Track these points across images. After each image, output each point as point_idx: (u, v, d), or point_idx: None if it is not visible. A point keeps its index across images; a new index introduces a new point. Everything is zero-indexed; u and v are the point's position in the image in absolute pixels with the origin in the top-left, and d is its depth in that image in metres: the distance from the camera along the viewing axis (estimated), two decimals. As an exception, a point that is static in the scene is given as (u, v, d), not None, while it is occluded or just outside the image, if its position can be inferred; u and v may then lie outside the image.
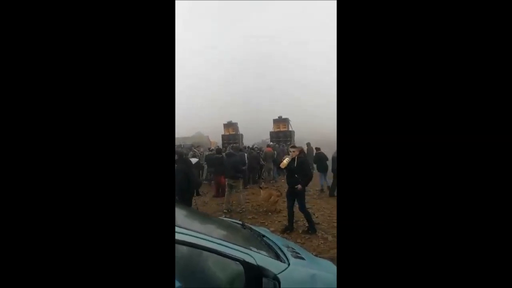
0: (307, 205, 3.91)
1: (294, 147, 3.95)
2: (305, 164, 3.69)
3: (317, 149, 6.71)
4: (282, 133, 13.81)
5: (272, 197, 4.96)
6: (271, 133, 14.24)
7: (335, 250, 2.98)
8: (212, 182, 6.95)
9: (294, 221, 3.83)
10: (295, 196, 3.68)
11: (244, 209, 4.98)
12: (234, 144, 9.07)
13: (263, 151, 8.69)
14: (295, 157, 3.64)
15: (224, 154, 5.68)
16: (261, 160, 8.14)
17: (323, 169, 6.37)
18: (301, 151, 4.09)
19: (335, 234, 3.36)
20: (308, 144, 9.24)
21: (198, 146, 8.90)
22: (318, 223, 4.06)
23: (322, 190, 6.32)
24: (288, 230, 3.74)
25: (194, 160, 6.24)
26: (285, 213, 4.32)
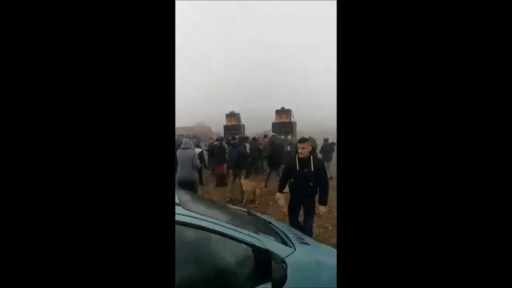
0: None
1: (304, 140, 2.63)
2: (323, 170, 2.63)
3: (325, 140, 7.41)
4: (284, 124, 13.79)
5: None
6: (273, 124, 14.22)
7: (335, 239, 3.05)
8: (214, 171, 7.02)
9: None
10: (306, 211, 2.76)
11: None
12: (239, 135, 8.99)
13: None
14: (309, 156, 2.60)
15: (226, 144, 5.72)
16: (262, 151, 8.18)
17: (328, 159, 6.78)
18: (313, 149, 2.88)
19: (335, 224, 3.41)
20: (326, 140, 7.51)
21: (195, 139, 8.43)
22: (319, 213, 4.14)
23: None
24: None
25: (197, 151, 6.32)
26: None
